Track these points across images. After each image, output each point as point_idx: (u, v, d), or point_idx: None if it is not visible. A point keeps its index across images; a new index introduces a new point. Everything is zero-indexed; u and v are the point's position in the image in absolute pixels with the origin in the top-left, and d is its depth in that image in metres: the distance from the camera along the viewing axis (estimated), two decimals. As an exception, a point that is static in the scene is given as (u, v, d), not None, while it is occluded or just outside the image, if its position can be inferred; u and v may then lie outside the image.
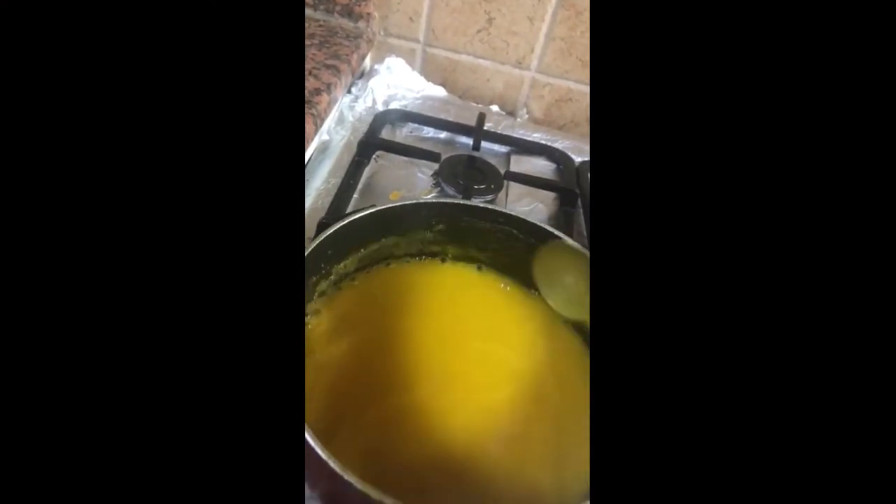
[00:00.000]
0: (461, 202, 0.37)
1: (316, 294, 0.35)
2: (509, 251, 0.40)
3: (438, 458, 0.29)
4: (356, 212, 0.34)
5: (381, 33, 0.70)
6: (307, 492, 0.28)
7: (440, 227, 0.39)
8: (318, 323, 0.34)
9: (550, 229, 0.37)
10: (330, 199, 0.52)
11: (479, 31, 0.68)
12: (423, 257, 0.41)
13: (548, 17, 0.65)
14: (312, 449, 0.23)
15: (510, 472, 0.29)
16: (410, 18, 0.68)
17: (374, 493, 0.22)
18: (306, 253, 0.31)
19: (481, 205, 0.38)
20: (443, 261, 0.41)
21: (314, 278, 0.34)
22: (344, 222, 0.33)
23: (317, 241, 0.32)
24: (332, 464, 0.22)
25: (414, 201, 0.36)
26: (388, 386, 0.32)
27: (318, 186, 0.54)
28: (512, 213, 0.37)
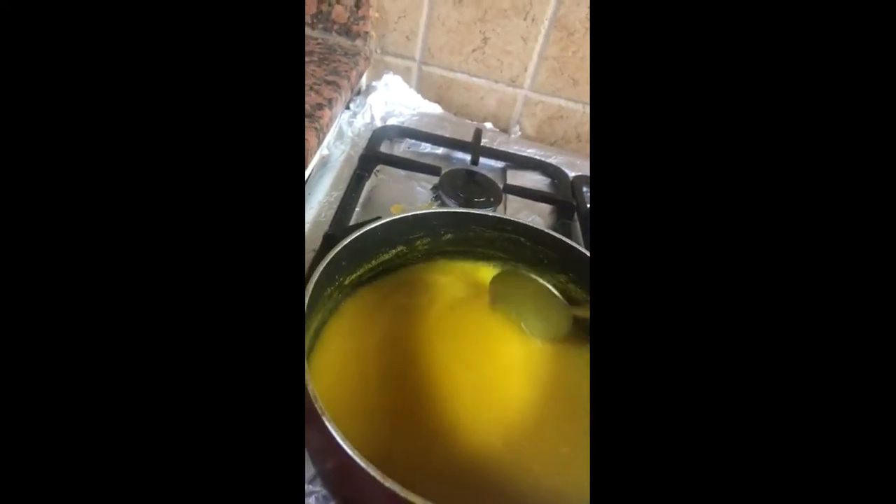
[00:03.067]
0: (470, 211, 0.38)
1: (330, 303, 0.35)
2: (517, 260, 0.41)
3: (458, 454, 0.30)
4: (368, 222, 0.35)
5: (378, 51, 0.71)
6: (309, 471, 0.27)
7: (448, 236, 0.39)
8: (332, 328, 0.35)
9: (559, 236, 0.38)
10: (332, 211, 0.52)
11: (474, 51, 0.70)
12: (434, 256, 0.41)
13: (541, 38, 0.68)
14: (332, 437, 0.23)
15: (532, 472, 0.30)
16: (407, 37, 0.70)
17: (399, 491, 0.22)
18: (323, 265, 0.31)
19: (490, 213, 0.39)
20: (450, 258, 0.42)
21: (329, 290, 0.34)
22: (358, 233, 0.34)
23: (332, 253, 0.32)
24: (355, 456, 0.23)
25: (424, 211, 0.37)
26: (403, 384, 0.32)
27: (320, 200, 0.54)
28: (519, 220, 0.38)
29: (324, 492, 0.31)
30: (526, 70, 0.70)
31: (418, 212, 0.37)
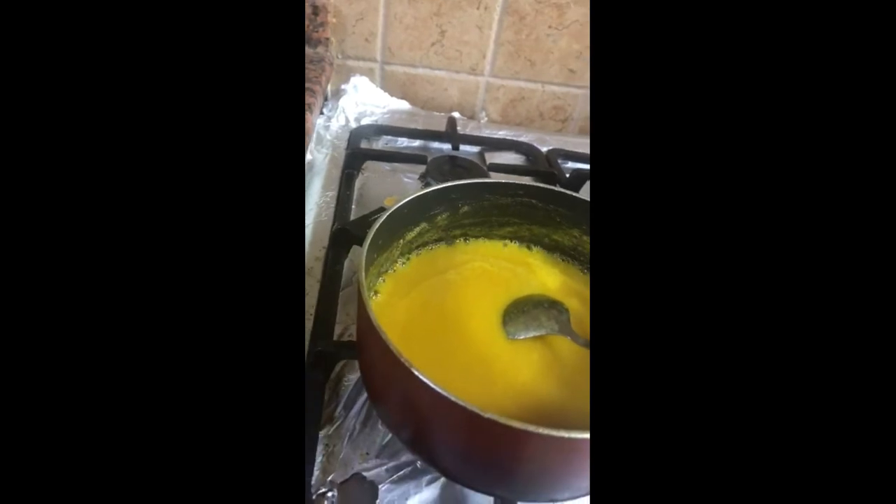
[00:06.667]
0: (483, 181, 0.40)
1: (372, 278, 0.37)
2: (531, 223, 0.43)
3: (501, 394, 0.32)
4: (393, 205, 0.36)
5: (340, 56, 0.72)
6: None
7: (465, 208, 0.41)
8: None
9: (568, 192, 0.40)
10: (330, 210, 0.53)
11: (433, 44, 0.72)
12: (451, 241, 0.43)
13: (495, 25, 0.71)
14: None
15: (574, 411, 0.32)
16: (366, 39, 0.71)
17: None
18: (366, 244, 0.32)
19: (501, 181, 0.41)
20: (465, 241, 0.43)
21: (369, 268, 0.35)
22: (390, 211, 0.35)
23: (371, 233, 0.33)
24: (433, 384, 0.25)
25: (443, 185, 0.39)
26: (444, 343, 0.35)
27: (316, 201, 0.55)
28: (530, 183, 0.40)
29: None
30: (484, 57, 0.73)
31: (439, 186, 0.39)
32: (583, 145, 0.73)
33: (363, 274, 0.30)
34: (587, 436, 0.24)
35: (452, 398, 0.24)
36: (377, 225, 0.34)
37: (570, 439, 0.24)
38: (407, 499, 0.34)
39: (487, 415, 0.24)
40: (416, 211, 0.38)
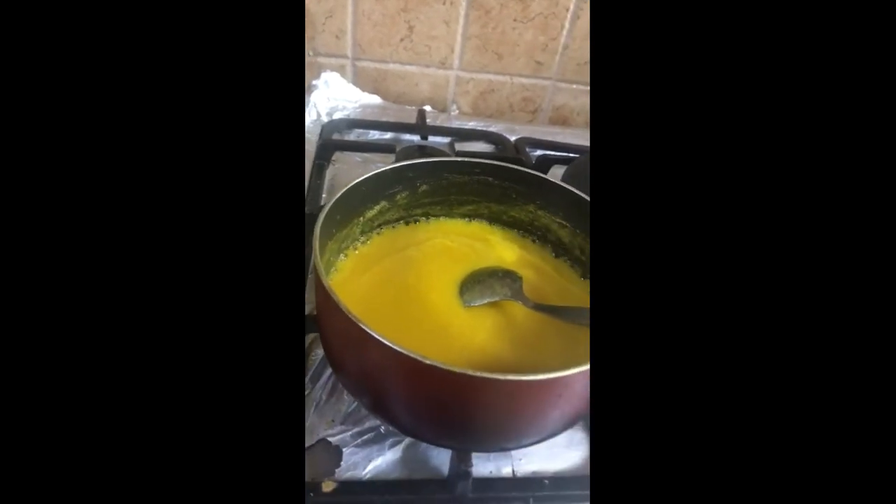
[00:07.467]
0: (441, 159, 0.42)
1: (332, 255, 0.38)
2: (488, 200, 0.45)
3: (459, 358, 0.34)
4: (354, 181, 0.38)
5: (311, 53, 0.74)
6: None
7: (424, 187, 0.43)
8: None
9: (522, 168, 0.42)
10: (303, 199, 0.55)
11: (402, 40, 0.74)
12: (412, 220, 0.45)
13: (461, 19, 0.73)
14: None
15: (528, 366, 0.34)
16: (336, 36, 0.73)
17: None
18: (322, 217, 0.34)
19: (458, 159, 0.43)
20: (427, 219, 0.45)
21: (328, 242, 0.37)
22: (349, 186, 0.37)
23: (328, 206, 0.35)
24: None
25: (401, 164, 0.41)
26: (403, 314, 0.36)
27: (287, 191, 0.56)
28: (486, 161, 0.42)
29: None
30: (453, 51, 0.75)
31: (395, 165, 0.40)
32: (552, 134, 0.75)
33: (317, 243, 0.32)
34: (528, 378, 0.26)
35: (398, 348, 0.26)
36: (334, 199, 0.35)
37: (505, 381, 0.26)
38: (370, 461, 0.36)
39: (429, 361, 0.25)
40: (375, 189, 0.40)
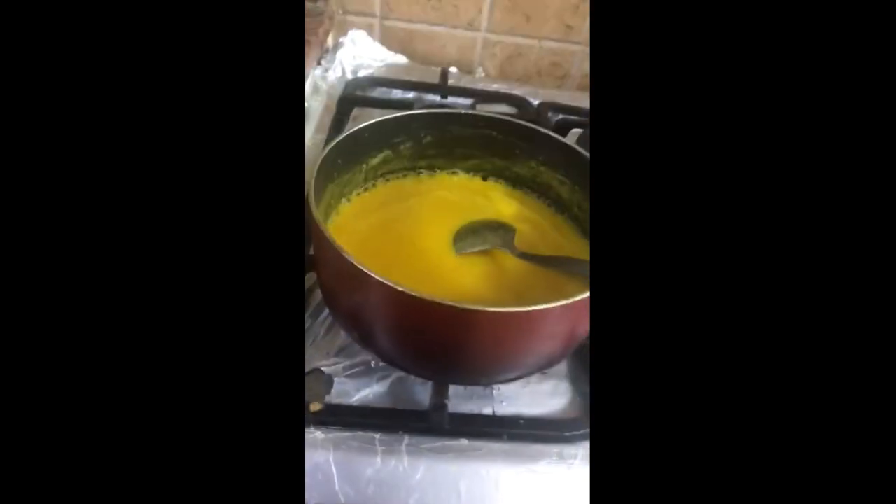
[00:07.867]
0: (446, 111, 0.43)
1: (333, 199, 0.40)
2: (492, 155, 0.45)
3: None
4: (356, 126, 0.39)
5: (341, 11, 0.75)
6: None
7: (428, 138, 0.44)
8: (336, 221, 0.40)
9: (526, 123, 0.43)
10: (319, 151, 0.57)
11: (430, 0, 0.74)
12: (417, 172, 0.46)
13: (490, -22, 0.72)
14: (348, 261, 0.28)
15: None
16: (366, -6, 0.74)
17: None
18: (321, 157, 0.36)
19: (463, 111, 0.43)
20: (433, 172, 0.46)
21: (329, 185, 0.39)
22: (350, 131, 0.39)
23: (328, 148, 0.37)
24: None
25: (405, 113, 0.42)
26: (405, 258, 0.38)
27: (307, 144, 0.58)
28: (489, 115, 0.43)
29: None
30: (481, 12, 0.75)
31: (399, 113, 0.42)
32: (579, 99, 0.74)
33: (312, 178, 0.33)
34: (504, 309, 0.27)
35: (380, 278, 0.28)
36: (335, 141, 0.37)
37: (481, 312, 0.27)
38: (358, 391, 0.38)
39: (412, 292, 0.27)
40: (378, 136, 0.42)
